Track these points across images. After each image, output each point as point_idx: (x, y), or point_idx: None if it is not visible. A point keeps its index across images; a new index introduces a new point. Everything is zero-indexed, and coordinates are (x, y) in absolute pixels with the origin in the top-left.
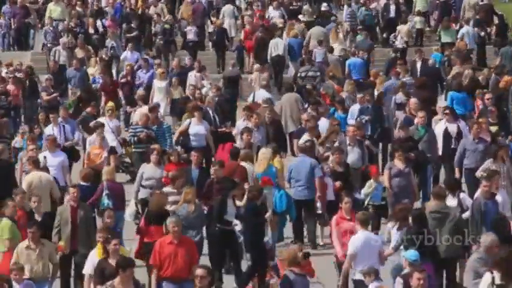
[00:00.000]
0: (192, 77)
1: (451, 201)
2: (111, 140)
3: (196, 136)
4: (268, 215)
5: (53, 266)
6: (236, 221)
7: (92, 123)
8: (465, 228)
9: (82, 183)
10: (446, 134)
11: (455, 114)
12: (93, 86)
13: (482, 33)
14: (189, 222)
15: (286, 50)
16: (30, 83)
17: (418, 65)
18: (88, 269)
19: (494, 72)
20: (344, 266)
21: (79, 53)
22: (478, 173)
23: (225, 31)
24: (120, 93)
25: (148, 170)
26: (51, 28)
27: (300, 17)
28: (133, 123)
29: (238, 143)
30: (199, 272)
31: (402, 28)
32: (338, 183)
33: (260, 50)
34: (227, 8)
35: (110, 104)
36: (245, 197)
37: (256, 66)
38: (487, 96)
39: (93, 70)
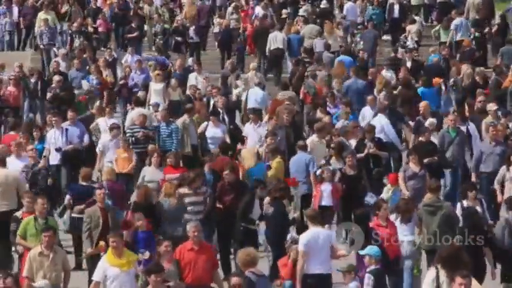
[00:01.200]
0: (193, 78)
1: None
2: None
3: (213, 139)
4: (296, 215)
5: (65, 273)
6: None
7: (102, 126)
8: (455, 224)
9: (82, 182)
10: None
11: (465, 116)
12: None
13: (477, 34)
14: (171, 215)
15: (285, 44)
16: (42, 84)
17: (408, 65)
18: (97, 275)
19: (495, 72)
20: (298, 263)
21: (80, 55)
22: (496, 186)
23: (231, 31)
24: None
25: (149, 173)
26: (46, 29)
27: (301, 11)
28: (125, 125)
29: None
30: (235, 280)
31: (412, 28)
32: (340, 187)
33: (259, 42)
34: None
35: (97, 104)
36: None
37: (252, 64)
38: (479, 98)
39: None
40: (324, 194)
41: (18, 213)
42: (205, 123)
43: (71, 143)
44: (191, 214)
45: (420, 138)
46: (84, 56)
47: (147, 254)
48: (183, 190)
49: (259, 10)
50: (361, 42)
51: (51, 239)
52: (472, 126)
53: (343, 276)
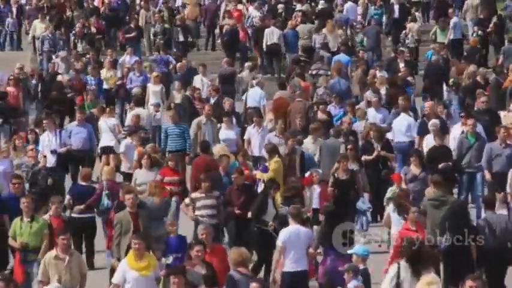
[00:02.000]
0: (198, 79)
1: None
2: (109, 140)
3: (227, 141)
4: (309, 214)
5: (82, 276)
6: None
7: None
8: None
9: (82, 183)
10: None
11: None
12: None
13: (480, 32)
14: (153, 214)
15: (281, 39)
16: (42, 86)
17: (401, 65)
18: (117, 278)
19: (494, 72)
20: (274, 258)
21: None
22: (509, 189)
23: (237, 31)
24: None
25: (140, 175)
26: (49, 35)
27: (299, 6)
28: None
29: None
30: (254, 286)
31: (413, 26)
32: (330, 190)
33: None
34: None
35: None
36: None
37: (247, 64)
38: (482, 99)
39: (105, 73)
40: (313, 197)
41: (46, 217)
42: (218, 125)
43: (65, 144)
44: (205, 217)
45: (434, 143)
46: (88, 56)
47: (170, 259)
48: (195, 195)
49: (252, 10)
50: (365, 39)
51: (68, 242)
52: (479, 128)
53: (344, 274)
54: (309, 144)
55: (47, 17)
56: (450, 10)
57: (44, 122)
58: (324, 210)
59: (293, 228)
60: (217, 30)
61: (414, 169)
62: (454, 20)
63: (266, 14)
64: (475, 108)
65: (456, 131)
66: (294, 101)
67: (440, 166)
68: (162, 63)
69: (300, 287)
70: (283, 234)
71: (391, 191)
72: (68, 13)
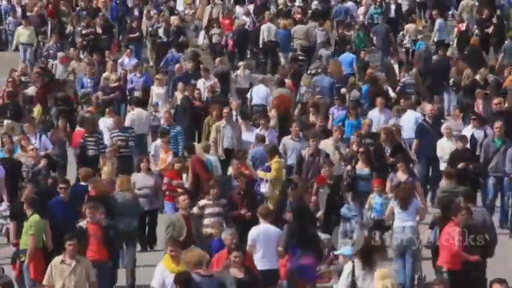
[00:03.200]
0: (201, 83)
1: None
2: (108, 140)
3: (246, 144)
4: (319, 214)
5: (89, 284)
6: None
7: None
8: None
9: (81, 183)
10: (473, 139)
11: (482, 120)
12: (84, 90)
13: (477, 32)
14: (125, 209)
15: (278, 36)
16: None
17: (396, 66)
18: (156, 282)
19: (492, 72)
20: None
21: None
22: None
23: (246, 32)
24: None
25: (139, 180)
26: (54, 46)
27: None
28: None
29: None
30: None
31: (410, 27)
32: (313, 198)
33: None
34: (239, 10)
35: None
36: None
37: (241, 63)
38: (496, 101)
39: (108, 75)
40: None
41: (83, 223)
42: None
43: (46, 149)
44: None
45: (456, 147)
46: (93, 58)
47: None
48: (203, 202)
49: (240, 10)
50: (374, 38)
51: (75, 248)
52: (489, 131)
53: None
54: (329, 146)
55: (45, 28)
56: (434, 12)
57: (24, 126)
58: (291, 209)
59: (262, 227)
60: (206, 41)
61: (400, 175)
62: (438, 21)
63: (257, 19)
64: (478, 110)
65: (465, 133)
66: (288, 99)
67: (459, 166)
68: (172, 62)
69: (270, 285)
70: (252, 233)
71: (374, 197)
72: (70, 28)
